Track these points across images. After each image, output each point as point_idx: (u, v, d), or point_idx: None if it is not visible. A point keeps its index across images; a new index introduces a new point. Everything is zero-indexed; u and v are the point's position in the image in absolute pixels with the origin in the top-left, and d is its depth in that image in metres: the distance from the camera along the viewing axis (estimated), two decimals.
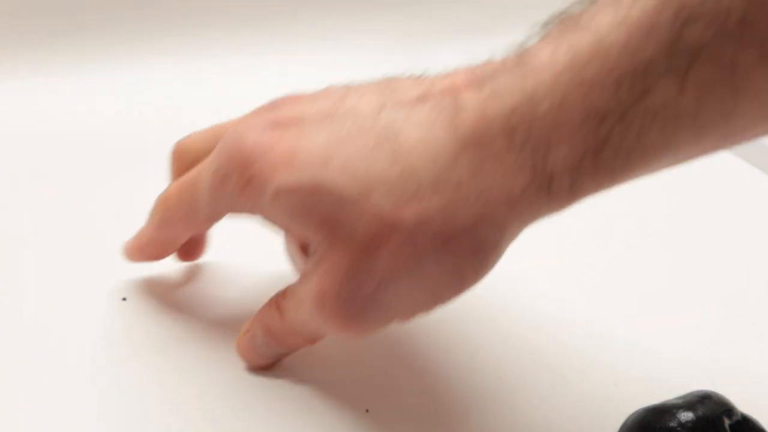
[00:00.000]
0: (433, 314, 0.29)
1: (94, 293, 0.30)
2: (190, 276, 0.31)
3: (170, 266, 0.30)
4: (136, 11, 0.58)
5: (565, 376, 0.26)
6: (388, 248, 0.20)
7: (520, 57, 0.19)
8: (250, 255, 0.32)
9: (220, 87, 0.58)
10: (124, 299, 0.30)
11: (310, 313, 0.22)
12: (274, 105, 0.24)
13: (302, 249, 0.25)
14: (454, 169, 0.19)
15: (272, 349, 0.25)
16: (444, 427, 0.24)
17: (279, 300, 0.24)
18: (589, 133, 0.18)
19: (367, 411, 0.24)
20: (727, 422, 0.21)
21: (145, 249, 0.28)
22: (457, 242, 0.20)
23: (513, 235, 0.21)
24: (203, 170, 0.24)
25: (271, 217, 0.23)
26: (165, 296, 0.30)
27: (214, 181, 0.23)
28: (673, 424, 0.21)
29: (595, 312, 0.30)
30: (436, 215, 0.20)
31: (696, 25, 0.16)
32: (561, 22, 0.19)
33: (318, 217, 0.21)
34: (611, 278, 0.32)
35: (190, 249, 0.30)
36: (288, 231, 0.25)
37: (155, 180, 0.41)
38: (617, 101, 0.17)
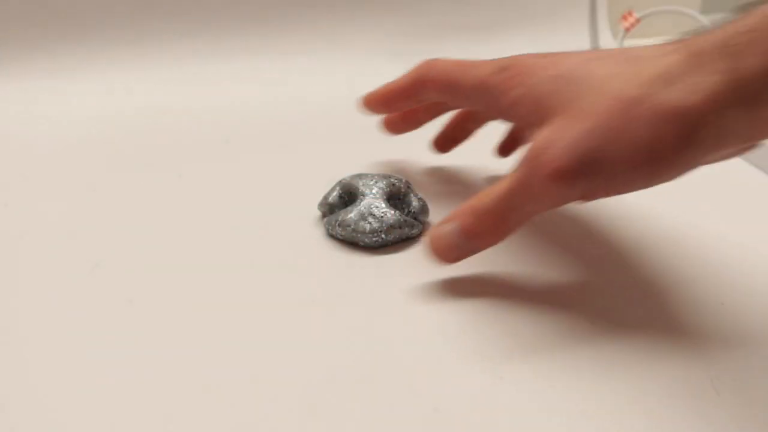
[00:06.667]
0: (431, 311, 0.30)
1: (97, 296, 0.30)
2: None
3: None
4: (135, 12, 0.58)
5: (568, 373, 0.26)
6: (609, 114, 0.25)
7: (734, 14, 0.25)
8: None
9: (220, 87, 0.58)
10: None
11: (524, 168, 0.27)
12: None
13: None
14: (673, 68, 0.25)
15: (464, 242, 0.29)
16: (444, 427, 0.24)
17: (483, 191, 0.29)
18: None
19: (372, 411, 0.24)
20: None
21: (390, 91, 0.37)
22: (663, 118, 0.25)
23: (710, 135, 0.25)
24: (483, 65, 0.31)
25: (521, 107, 0.28)
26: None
27: (492, 68, 0.30)
28: None
29: (598, 312, 0.30)
30: (653, 95, 0.25)
31: None
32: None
33: (561, 97, 0.27)
34: (613, 278, 0.32)
35: (410, 119, 0.39)
36: (529, 123, 0.28)
37: (155, 179, 0.42)
38: None
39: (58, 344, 0.27)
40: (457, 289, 0.31)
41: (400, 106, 0.38)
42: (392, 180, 0.36)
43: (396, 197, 0.36)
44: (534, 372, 0.26)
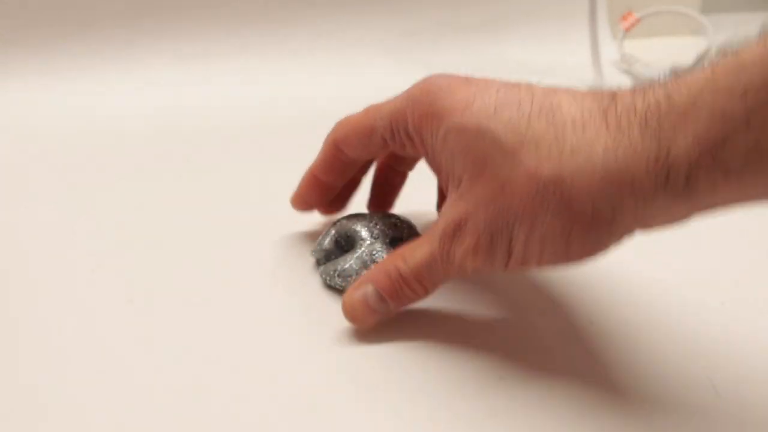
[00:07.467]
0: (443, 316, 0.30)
1: (99, 296, 0.30)
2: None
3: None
4: (136, 12, 0.58)
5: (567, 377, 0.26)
6: (521, 193, 0.23)
7: (675, 73, 0.22)
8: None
9: (220, 87, 0.58)
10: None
11: (443, 240, 0.26)
12: (468, 75, 0.27)
13: (442, 197, 0.31)
14: (593, 144, 0.22)
15: (383, 305, 0.27)
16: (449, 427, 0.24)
17: (402, 252, 0.27)
18: (713, 132, 0.20)
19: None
20: None
21: (311, 174, 0.32)
22: (576, 206, 0.23)
23: (626, 222, 0.23)
24: (394, 98, 0.28)
25: (435, 152, 0.27)
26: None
27: (404, 103, 0.28)
28: None
29: (597, 312, 0.30)
30: (567, 177, 0.23)
31: None
32: (717, 53, 0.21)
33: (474, 155, 0.25)
34: (612, 278, 0.32)
35: (340, 196, 0.34)
36: (442, 170, 0.27)
37: (155, 180, 0.42)
38: (743, 106, 0.19)
39: (58, 344, 0.27)
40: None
41: (331, 184, 0.33)
42: (393, 220, 0.32)
43: (398, 240, 0.31)
44: (534, 372, 0.26)
